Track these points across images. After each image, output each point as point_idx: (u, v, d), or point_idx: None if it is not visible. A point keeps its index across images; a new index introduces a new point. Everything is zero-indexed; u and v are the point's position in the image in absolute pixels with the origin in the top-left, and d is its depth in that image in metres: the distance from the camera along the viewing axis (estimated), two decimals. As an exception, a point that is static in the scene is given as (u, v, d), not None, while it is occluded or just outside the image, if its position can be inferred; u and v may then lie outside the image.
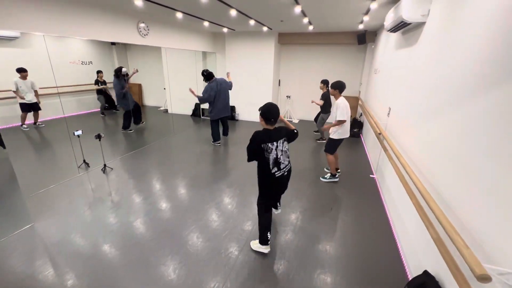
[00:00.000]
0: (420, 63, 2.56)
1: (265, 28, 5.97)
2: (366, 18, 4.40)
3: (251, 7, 3.97)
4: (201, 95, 4.99)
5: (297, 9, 3.78)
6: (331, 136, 3.72)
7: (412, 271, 2.12)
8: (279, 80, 7.82)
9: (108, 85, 7.61)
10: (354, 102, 6.77)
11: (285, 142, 2.30)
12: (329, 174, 3.94)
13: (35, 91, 5.84)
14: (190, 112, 8.25)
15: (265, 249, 2.41)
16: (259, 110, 2.23)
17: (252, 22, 4.97)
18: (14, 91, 5.56)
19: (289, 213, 3.04)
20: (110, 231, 2.68)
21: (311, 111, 6.97)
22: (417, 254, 2.08)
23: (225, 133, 5.75)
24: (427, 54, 2.39)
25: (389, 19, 3.18)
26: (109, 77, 7.53)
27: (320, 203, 3.33)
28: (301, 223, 2.89)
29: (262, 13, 4.42)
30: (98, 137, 3.89)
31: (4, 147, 4.33)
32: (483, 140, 1.36)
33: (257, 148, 2.16)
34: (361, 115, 6.53)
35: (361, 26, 5.34)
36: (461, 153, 1.57)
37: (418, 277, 1.76)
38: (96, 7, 3.80)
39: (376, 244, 2.59)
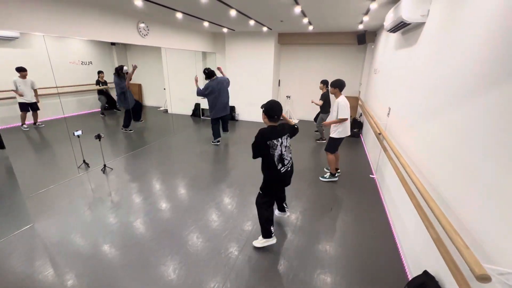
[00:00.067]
0: (420, 63, 2.56)
1: (265, 28, 5.98)
2: (366, 18, 4.41)
3: (251, 7, 3.97)
4: (201, 90, 5.04)
5: (297, 9, 3.78)
6: (331, 135, 3.72)
7: (412, 271, 2.12)
8: (279, 80, 7.83)
9: (109, 85, 7.62)
10: (354, 102, 6.77)
11: (288, 138, 2.34)
12: (328, 174, 3.94)
13: (35, 91, 5.84)
14: (190, 112, 8.25)
15: (272, 240, 2.46)
16: (261, 107, 2.26)
17: (252, 22, 4.98)
18: (14, 90, 5.56)
19: (289, 213, 3.04)
20: (110, 231, 2.68)
21: (311, 111, 6.98)
22: (417, 254, 2.08)
23: (225, 128, 5.79)
24: (427, 54, 2.39)
25: (389, 19, 3.18)
26: (109, 77, 7.54)
27: (320, 203, 3.33)
28: (301, 223, 2.89)
29: (262, 13, 4.42)
30: (98, 137, 3.89)
31: (3, 147, 4.34)
32: (483, 140, 1.36)
33: (263, 146, 2.18)
34: (361, 115, 6.53)
35: (361, 26, 5.34)
36: (461, 153, 1.57)
37: (418, 277, 1.76)
38: (96, 7, 3.80)
39: (376, 244, 2.59)
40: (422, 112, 2.31)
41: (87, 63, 7.70)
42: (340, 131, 3.64)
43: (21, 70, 5.54)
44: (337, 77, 3.60)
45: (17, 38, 5.85)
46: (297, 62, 7.49)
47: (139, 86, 9.20)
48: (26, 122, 5.97)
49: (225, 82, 5.18)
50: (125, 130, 6.21)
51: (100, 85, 7.47)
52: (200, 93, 5.03)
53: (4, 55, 5.79)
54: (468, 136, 1.50)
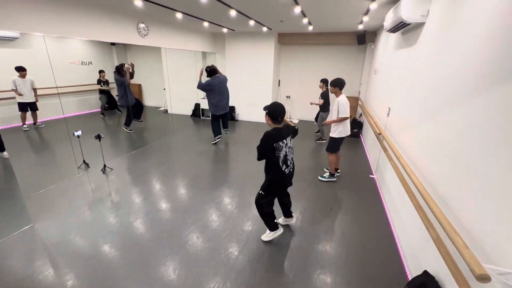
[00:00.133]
0: (420, 63, 2.56)
1: (265, 29, 5.98)
2: (365, 19, 4.41)
3: (251, 8, 3.97)
4: (203, 83, 5.07)
5: (297, 10, 3.79)
6: (331, 135, 3.72)
7: (412, 271, 2.12)
8: (279, 80, 7.83)
9: (110, 85, 7.63)
10: (354, 102, 6.78)
11: (291, 139, 2.37)
12: (327, 174, 3.94)
13: (34, 90, 5.83)
14: (190, 112, 8.25)
15: (279, 231, 2.59)
16: (264, 109, 2.27)
17: (252, 22, 4.98)
18: (14, 90, 5.55)
19: (295, 219, 3.02)
20: (110, 232, 2.68)
21: (311, 111, 6.97)
22: (417, 254, 2.08)
23: (225, 125, 5.82)
24: (427, 54, 2.40)
25: (389, 20, 3.18)
26: (109, 77, 7.55)
27: (320, 203, 3.33)
28: (301, 223, 2.89)
29: (262, 14, 4.42)
30: (98, 137, 3.89)
31: (3, 150, 4.35)
32: (483, 140, 1.36)
33: (270, 148, 2.21)
34: (360, 115, 6.53)
35: (360, 27, 5.34)
36: (461, 153, 1.57)
37: (418, 277, 1.76)
38: (96, 8, 3.80)
39: (376, 244, 2.59)
40: (422, 112, 2.31)
41: (87, 63, 7.70)
42: (340, 131, 3.64)
43: (21, 70, 5.53)
44: (337, 77, 3.60)
45: (17, 38, 5.85)
46: (297, 62, 7.49)
47: (139, 86, 9.20)
48: (26, 122, 5.97)
49: (226, 81, 5.27)
50: (126, 128, 6.25)
51: (102, 84, 7.47)
52: (200, 86, 5.08)
53: (4, 55, 5.79)
54: (468, 136, 1.50)
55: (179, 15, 4.40)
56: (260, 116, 7.39)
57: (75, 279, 2.10)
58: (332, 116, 3.75)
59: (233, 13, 4.08)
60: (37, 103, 5.97)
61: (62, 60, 7.02)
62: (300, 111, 7.88)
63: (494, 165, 1.26)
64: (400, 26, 2.92)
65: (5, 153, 4.37)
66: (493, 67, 1.35)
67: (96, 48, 7.96)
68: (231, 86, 6.13)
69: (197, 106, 8.08)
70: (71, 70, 7.23)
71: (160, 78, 8.27)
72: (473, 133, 1.45)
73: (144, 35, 4.77)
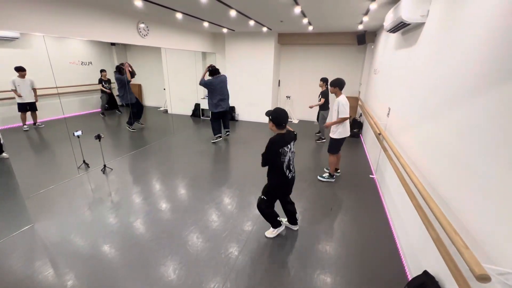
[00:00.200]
0: (420, 63, 2.56)
1: (264, 29, 5.98)
2: (365, 19, 4.41)
3: (251, 8, 3.97)
4: (205, 80, 5.21)
5: (297, 10, 3.79)
6: (332, 136, 3.72)
7: (412, 271, 2.12)
8: (279, 80, 7.83)
9: (111, 85, 7.64)
10: (354, 102, 6.78)
11: (293, 144, 2.40)
12: (327, 174, 3.95)
13: (34, 90, 5.83)
14: (190, 113, 8.25)
15: (282, 227, 2.70)
16: (267, 115, 2.30)
17: (251, 22, 4.98)
18: (13, 90, 5.55)
19: (298, 227, 3.02)
20: (110, 232, 2.68)
21: (311, 111, 6.97)
22: (417, 254, 2.08)
23: (226, 126, 5.86)
24: (427, 54, 2.40)
25: (389, 20, 3.18)
26: (110, 77, 7.56)
27: (320, 203, 3.33)
28: (301, 223, 2.89)
29: (261, 14, 4.42)
30: (98, 137, 3.89)
31: (2, 152, 4.36)
32: (483, 140, 1.36)
33: (275, 154, 2.24)
34: (360, 115, 6.54)
35: (360, 27, 5.34)
36: (461, 153, 1.57)
37: (418, 277, 1.76)
38: (96, 8, 3.80)
39: (376, 244, 2.59)
40: (422, 112, 2.31)
41: (87, 64, 7.70)
42: (340, 132, 3.64)
43: (20, 70, 5.53)
44: (337, 77, 3.60)
45: (17, 38, 5.85)
46: (297, 62, 7.49)
47: (139, 86, 9.20)
48: (26, 123, 5.97)
49: (226, 81, 5.39)
50: (129, 127, 6.33)
51: (103, 83, 7.48)
52: (202, 82, 5.22)
53: (4, 56, 5.79)
54: (468, 136, 1.50)
55: (179, 15, 4.40)
56: (260, 116, 7.39)
57: (75, 279, 2.10)
58: (332, 116, 3.76)
59: (233, 13, 4.08)
60: (37, 103, 5.97)
61: (62, 60, 7.02)
62: (300, 111, 7.88)
63: (494, 165, 1.26)
64: (400, 26, 2.92)
65: (4, 154, 4.37)
66: (493, 67, 1.36)
67: (96, 48, 7.97)
68: (231, 86, 6.14)
69: (197, 106, 8.08)
70: (71, 70, 7.23)
71: (160, 78, 8.27)
72: (473, 133, 1.45)
73: (144, 35, 4.77)
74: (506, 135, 1.19)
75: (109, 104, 7.95)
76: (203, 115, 8.05)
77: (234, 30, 6.57)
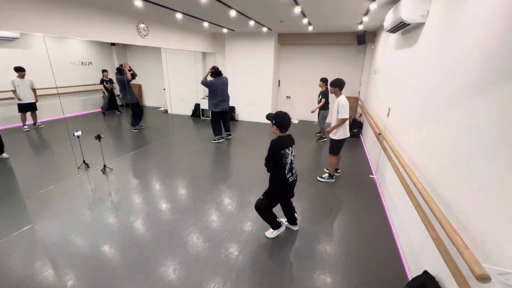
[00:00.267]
0: (420, 63, 2.56)
1: (264, 29, 5.98)
2: (365, 19, 4.41)
3: (251, 8, 3.97)
4: (207, 81, 5.26)
5: (297, 10, 3.79)
6: (332, 137, 3.73)
7: (412, 272, 2.12)
8: (279, 80, 7.83)
9: (113, 85, 7.65)
10: (353, 102, 6.78)
11: (294, 147, 2.40)
12: (327, 174, 3.95)
13: (34, 90, 5.83)
14: (190, 113, 8.25)
15: (282, 228, 2.68)
16: (269, 119, 2.31)
17: (251, 22, 4.98)
18: (12, 91, 5.55)
19: (298, 227, 3.02)
20: (110, 232, 2.67)
21: (311, 112, 6.97)
22: (417, 254, 2.08)
23: (227, 129, 5.85)
24: (427, 55, 2.40)
25: (389, 20, 3.18)
26: (111, 78, 7.57)
27: (320, 203, 3.33)
28: (301, 223, 2.89)
29: (261, 14, 4.42)
30: (98, 137, 3.89)
31: (2, 151, 4.36)
32: (483, 140, 1.36)
33: (278, 156, 2.25)
34: (360, 115, 6.54)
35: (360, 27, 5.34)
36: (461, 153, 1.57)
37: (418, 278, 1.76)
38: (96, 8, 3.81)
39: (376, 244, 2.59)
40: (422, 112, 2.31)
41: (87, 64, 7.70)
42: (340, 133, 3.65)
43: (19, 70, 5.52)
44: (337, 77, 3.60)
45: (17, 38, 5.85)
46: (297, 62, 7.49)
47: (139, 86, 9.19)
48: (26, 123, 5.97)
49: (227, 83, 5.45)
50: (133, 127, 6.37)
51: (105, 83, 7.48)
52: (204, 81, 5.26)
53: (4, 56, 5.79)
54: (468, 136, 1.50)
55: (179, 15, 4.40)
56: (260, 116, 7.38)
57: (75, 279, 2.10)
58: (332, 116, 3.76)
59: (233, 13, 4.08)
60: (36, 103, 5.97)
61: (62, 60, 7.02)
62: (300, 111, 7.88)
63: (494, 165, 1.26)
64: (400, 26, 2.92)
65: (4, 154, 4.37)
66: (493, 67, 1.36)
67: (96, 48, 7.96)
68: (231, 86, 6.14)
69: (197, 106, 8.08)
70: (71, 70, 7.23)
71: (160, 78, 8.27)
72: (473, 133, 1.45)
73: (144, 36, 4.77)
74: (506, 135, 1.19)
75: (109, 104, 7.95)
76: (203, 115, 8.05)
77: (234, 30, 6.57)
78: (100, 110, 7.84)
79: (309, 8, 3.89)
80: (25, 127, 5.94)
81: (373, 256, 2.43)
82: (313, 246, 2.54)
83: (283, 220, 2.82)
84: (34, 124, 6.15)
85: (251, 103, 7.49)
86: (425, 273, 1.72)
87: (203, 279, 2.12)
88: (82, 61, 7.53)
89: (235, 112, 7.75)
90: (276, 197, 2.50)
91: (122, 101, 6.33)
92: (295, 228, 2.79)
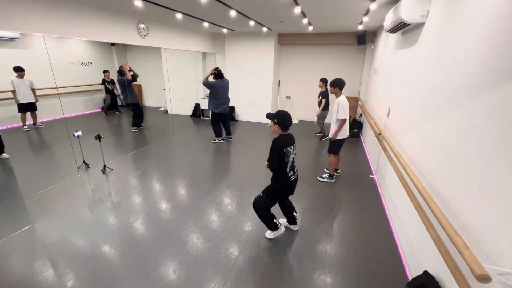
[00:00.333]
0: (420, 63, 2.56)
1: (264, 29, 5.98)
2: (365, 19, 4.41)
3: (251, 8, 3.97)
4: (208, 81, 5.25)
5: (297, 10, 3.79)
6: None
7: (412, 272, 2.12)
8: (279, 80, 7.83)
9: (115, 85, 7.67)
10: (353, 102, 6.78)
11: (295, 146, 2.40)
12: (327, 174, 3.95)
13: (33, 90, 5.82)
14: (190, 113, 8.25)
15: (280, 230, 2.65)
16: (270, 118, 2.31)
17: (251, 22, 4.98)
18: (12, 91, 5.54)
19: (298, 227, 3.02)
20: (110, 232, 2.67)
21: (311, 112, 6.99)
22: (417, 254, 2.08)
23: (228, 132, 5.85)
24: (427, 55, 2.40)
25: (389, 20, 3.18)
26: (113, 77, 7.58)
27: (320, 203, 3.33)
28: (301, 223, 2.89)
29: (261, 14, 4.43)
30: (98, 137, 3.89)
31: (3, 152, 4.36)
32: (483, 140, 1.36)
33: (281, 154, 2.25)
34: (360, 115, 6.54)
35: (360, 27, 5.34)
36: (461, 153, 1.57)
37: (418, 278, 1.76)
38: (96, 8, 3.81)
39: (376, 244, 2.59)
40: (422, 112, 2.31)
41: (87, 64, 7.70)
42: (340, 133, 3.64)
43: (19, 70, 5.52)
44: (337, 77, 3.60)
45: (17, 38, 5.85)
46: (297, 62, 7.49)
47: (139, 86, 9.19)
48: (26, 123, 5.97)
49: (228, 85, 5.47)
50: (134, 128, 6.39)
51: (106, 84, 7.49)
52: (205, 82, 5.26)
53: (4, 56, 5.79)
54: (468, 135, 1.50)
55: (179, 16, 4.40)
56: (260, 116, 7.38)
57: (75, 279, 2.10)
58: (331, 116, 3.76)
59: (233, 13, 4.08)
60: (36, 103, 5.96)
61: (62, 61, 7.02)
62: (300, 111, 7.88)
63: (494, 165, 1.26)
64: (400, 27, 2.92)
65: (4, 154, 4.37)
66: (493, 67, 1.36)
67: (96, 48, 7.96)
68: (231, 86, 6.14)
69: (197, 106, 8.08)
70: (71, 71, 7.23)
71: (160, 78, 8.27)
72: (473, 133, 1.45)
73: (144, 36, 4.77)
74: (506, 135, 1.19)
75: (110, 104, 7.96)
76: (203, 115, 8.05)
77: (234, 30, 6.57)
78: (101, 110, 7.84)
79: (309, 8, 3.89)
80: (25, 127, 5.94)
81: (373, 256, 2.43)
82: (313, 246, 2.54)
83: (283, 220, 2.82)
84: (34, 124, 6.14)
85: (251, 103, 7.50)
86: (425, 273, 1.72)
87: (203, 279, 2.12)
88: (82, 61, 7.53)
89: (235, 112, 7.75)
90: (277, 196, 2.50)
91: (123, 102, 6.33)
92: (295, 228, 2.79)
